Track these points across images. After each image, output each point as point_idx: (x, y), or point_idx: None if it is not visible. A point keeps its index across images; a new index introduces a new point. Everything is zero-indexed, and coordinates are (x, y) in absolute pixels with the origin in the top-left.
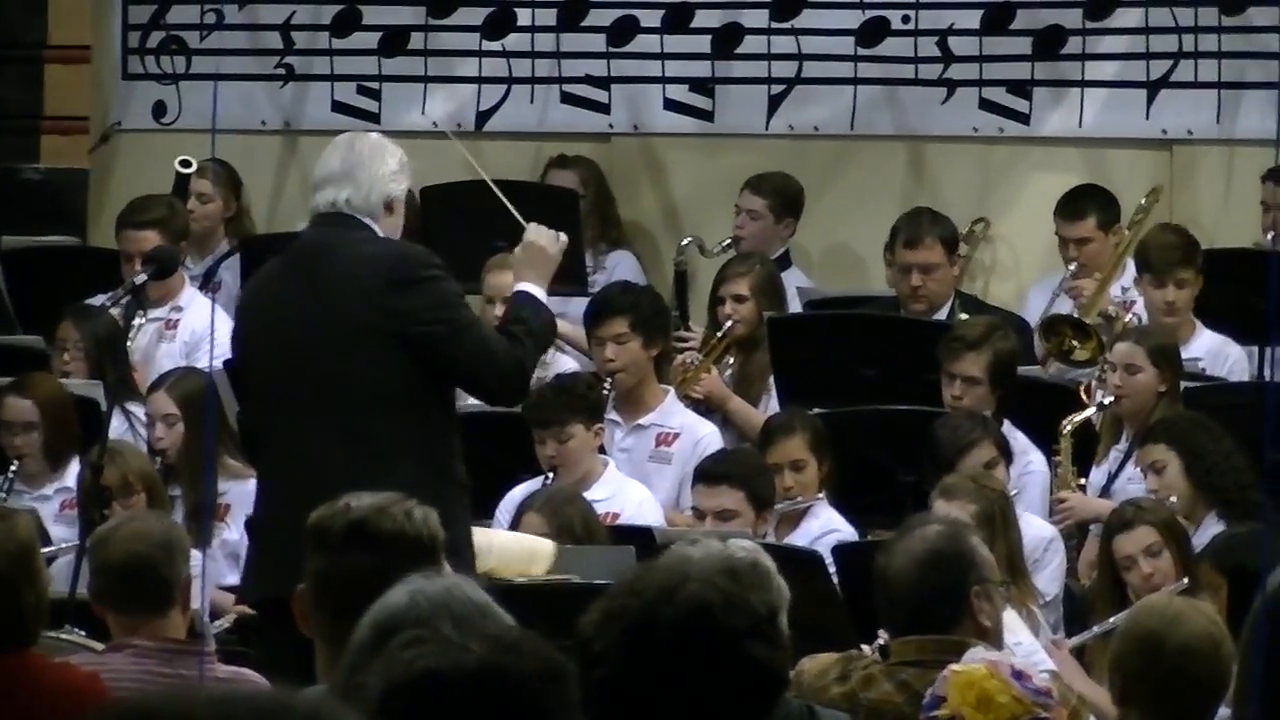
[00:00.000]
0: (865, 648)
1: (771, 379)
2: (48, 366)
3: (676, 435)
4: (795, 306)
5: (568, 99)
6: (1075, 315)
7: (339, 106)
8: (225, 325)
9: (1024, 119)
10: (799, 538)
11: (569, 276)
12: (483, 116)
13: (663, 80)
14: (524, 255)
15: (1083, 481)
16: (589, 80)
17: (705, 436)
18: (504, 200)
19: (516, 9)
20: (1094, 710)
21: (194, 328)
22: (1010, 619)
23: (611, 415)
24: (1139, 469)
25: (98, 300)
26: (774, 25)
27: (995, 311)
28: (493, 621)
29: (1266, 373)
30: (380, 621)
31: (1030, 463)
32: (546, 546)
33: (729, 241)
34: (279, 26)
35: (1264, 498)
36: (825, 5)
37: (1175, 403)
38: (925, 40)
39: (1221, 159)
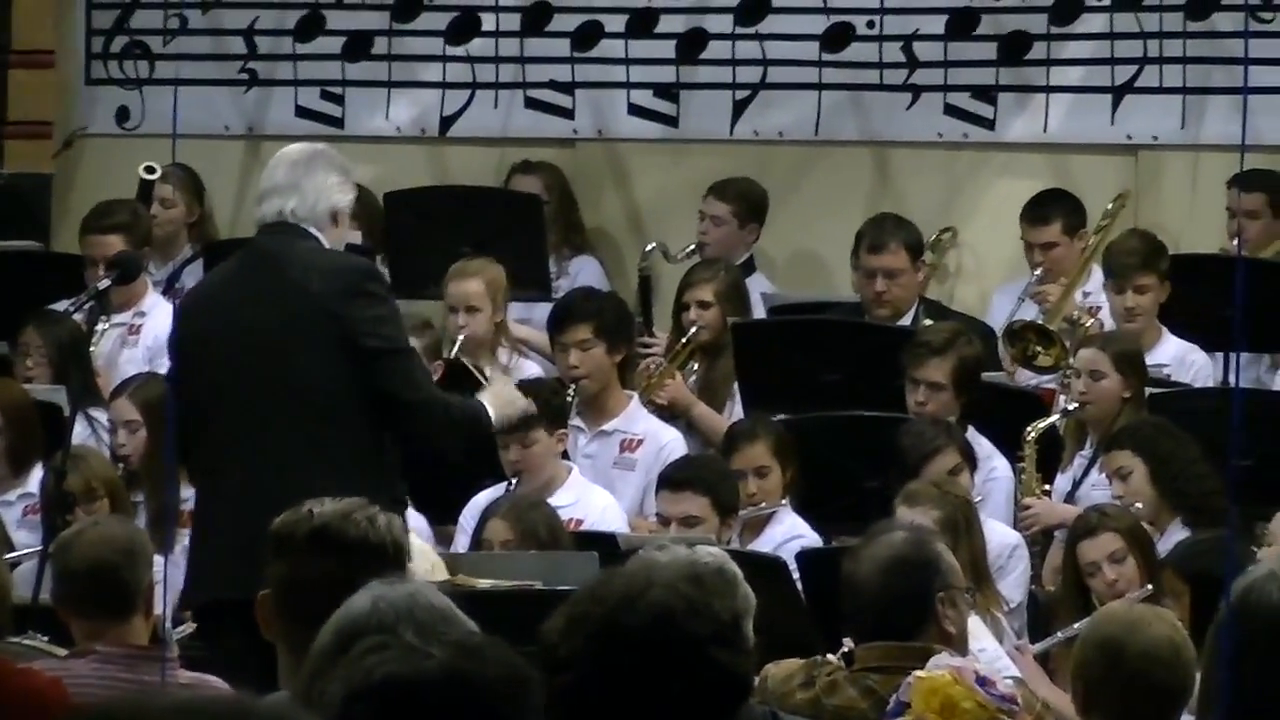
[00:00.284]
0: (831, 657)
1: (736, 385)
2: (10, 372)
3: (640, 441)
4: (760, 312)
5: (532, 104)
6: (1040, 321)
7: (302, 111)
8: None
9: (989, 124)
10: (763, 544)
11: (533, 282)
12: (446, 121)
13: (627, 85)
14: (496, 387)
15: (1047, 487)
16: (553, 85)
17: (669, 442)
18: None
19: (480, 13)
20: (1058, 716)
21: (157, 333)
22: (974, 625)
23: (575, 421)
24: (1104, 475)
25: (61, 305)
26: (738, 30)
27: (960, 317)
28: (455, 627)
29: (1231, 378)
30: (343, 627)
31: (995, 469)
32: (440, 560)
33: (693, 247)
34: (242, 31)
35: (1229, 504)
36: (790, 10)
37: (1140, 409)
38: (890, 45)
39: (1187, 164)
